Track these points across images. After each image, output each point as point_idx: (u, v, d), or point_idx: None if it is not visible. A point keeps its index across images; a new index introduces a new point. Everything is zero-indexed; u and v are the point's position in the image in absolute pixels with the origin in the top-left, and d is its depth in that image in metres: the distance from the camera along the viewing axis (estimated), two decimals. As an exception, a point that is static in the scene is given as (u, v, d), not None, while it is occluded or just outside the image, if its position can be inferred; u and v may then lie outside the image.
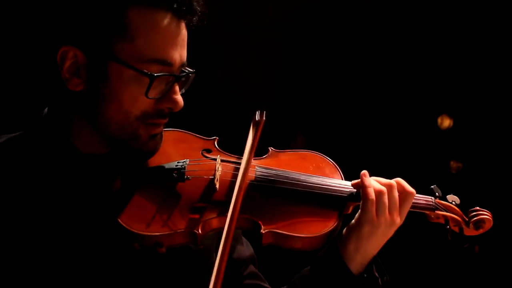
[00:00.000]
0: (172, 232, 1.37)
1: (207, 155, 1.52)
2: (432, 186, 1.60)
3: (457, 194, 1.64)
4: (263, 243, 1.41)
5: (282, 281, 1.63)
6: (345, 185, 1.51)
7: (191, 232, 1.37)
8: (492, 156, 4.48)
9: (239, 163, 1.44)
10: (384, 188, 1.46)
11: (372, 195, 1.44)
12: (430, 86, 4.61)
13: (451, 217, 1.57)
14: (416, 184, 1.55)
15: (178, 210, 1.40)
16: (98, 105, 1.32)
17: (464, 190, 1.68)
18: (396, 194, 1.47)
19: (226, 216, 1.32)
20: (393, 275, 1.57)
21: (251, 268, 1.62)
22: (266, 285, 1.67)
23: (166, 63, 1.31)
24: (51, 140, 1.38)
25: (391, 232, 1.48)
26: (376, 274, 1.49)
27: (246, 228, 1.44)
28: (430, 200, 1.56)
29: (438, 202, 1.57)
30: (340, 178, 1.55)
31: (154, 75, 1.28)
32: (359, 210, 1.47)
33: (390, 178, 1.53)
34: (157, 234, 1.36)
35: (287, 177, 1.49)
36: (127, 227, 1.36)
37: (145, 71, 1.28)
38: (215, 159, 1.47)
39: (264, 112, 1.46)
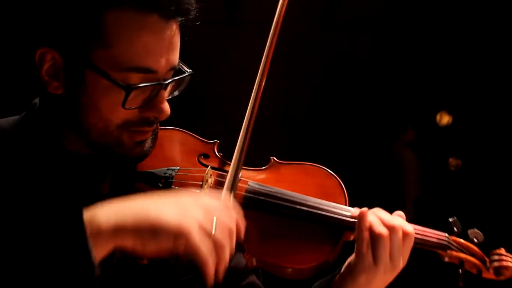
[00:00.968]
0: None
1: (203, 161, 1.43)
2: (450, 219, 1.36)
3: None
4: (248, 266, 1.31)
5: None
6: (346, 212, 1.34)
7: None
8: (491, 153, 4.49)
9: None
10: (385, 231, 1.28)
11: (367, 239, 1.28)
12: (429, 83, 4.61)
13: (467, 259, 1.32)
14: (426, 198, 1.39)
15: None
16: (78, 111, 1.25)
17: (463, 187, 1.61)
18: (400, 236, 1.28)
19: None
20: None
21: (251, 278, 1.52)
22: None
23: (148, 70, 1.19)
24: (40, 135, 1.34)
25: (393, 277, 1.32)
26: None
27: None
28: (444, 236, 1.34)
29: (454, 240, 1.34)
30: (343, 199, 1.37)
31: (130, 87, 1.17)
32: (353, 253, 1.31)
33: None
34: None
35: (280, 198, 1.35)
36: None
37: (120, 82, 1.17)
38: (207, 166, 1.39)
39: None
